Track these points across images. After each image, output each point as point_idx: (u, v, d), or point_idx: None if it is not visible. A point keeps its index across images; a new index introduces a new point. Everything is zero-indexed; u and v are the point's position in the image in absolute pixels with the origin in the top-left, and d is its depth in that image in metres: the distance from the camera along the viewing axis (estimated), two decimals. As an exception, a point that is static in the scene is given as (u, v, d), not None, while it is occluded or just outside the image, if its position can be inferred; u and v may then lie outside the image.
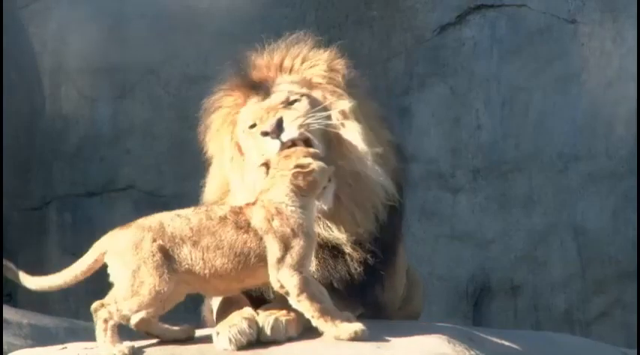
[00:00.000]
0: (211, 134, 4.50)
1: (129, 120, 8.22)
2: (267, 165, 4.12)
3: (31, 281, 4.21)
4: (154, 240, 3.97)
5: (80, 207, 8.17)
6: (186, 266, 3.97)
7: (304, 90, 4.32)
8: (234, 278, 4.01)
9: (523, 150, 7.81)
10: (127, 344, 3.98)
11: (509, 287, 7.81)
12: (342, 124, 4.28)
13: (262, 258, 3.98)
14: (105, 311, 3.99)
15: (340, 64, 4.41)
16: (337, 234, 4.24)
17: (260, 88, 4.40)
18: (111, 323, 3.97)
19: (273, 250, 3.95)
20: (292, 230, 3.97)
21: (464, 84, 7.92)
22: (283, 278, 3.94)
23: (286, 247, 3.95)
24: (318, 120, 4.20)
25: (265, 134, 4.17)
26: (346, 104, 4.31)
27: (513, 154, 7.83)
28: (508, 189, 7.83)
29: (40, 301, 7.97)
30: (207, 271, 3.97)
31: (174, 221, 4.03)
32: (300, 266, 3.94)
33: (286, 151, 4.08)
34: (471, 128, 7.89)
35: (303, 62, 4.43)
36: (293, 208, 3.99)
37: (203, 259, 3.97)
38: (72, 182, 8.26)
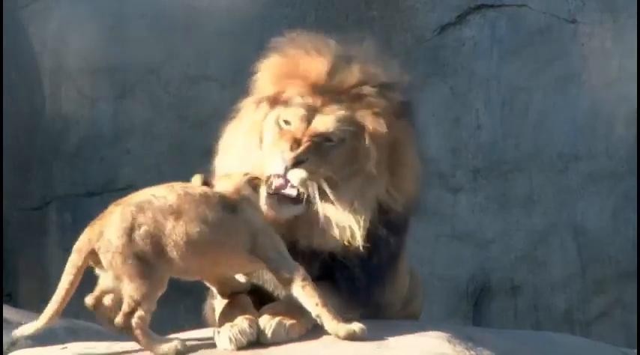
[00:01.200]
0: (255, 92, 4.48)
1: (129, 120, 8.22)
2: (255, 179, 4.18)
3: (31, 327, 4.11)
4: (140, 226, 3.90)
5: (80, 207, 8.16)
6: (171, 246, 3.92)
7: (347, 134, 4.29)
8: (212, 262, 4.00)
9: (523, 150, 7.81)
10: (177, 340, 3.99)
11: (509, 287, 7.81)
12: (348, 182, 4.28)
13: (240, 247, 3.99)
14: (137, 319, 3.91)
15: (398, 118, 4.38)
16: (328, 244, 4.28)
17: (324, 92, 4.35)
18: (146, 327, 3.91)
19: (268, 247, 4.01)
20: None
21: (464, 84, 7.92)
22: (287, 269, 3.98)
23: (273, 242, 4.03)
24: (334, 170, 4.23)
25: (282, 156, 4.18)
26: (372, 165, 4.30)
27: (513, 154, 7.83)
28: (508, 189, 7.83)
29: (40, 301, 7.97)
30: (186, 252, 3.93)
31: (152, 203, 3.96)
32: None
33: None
34: (471, 128, 7.90)
35: (370, 96, 4.35)
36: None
37: (185, 240, 3.93)
38: (72, 182, 8.26)
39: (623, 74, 7.66)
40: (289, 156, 4.17)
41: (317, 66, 4.36)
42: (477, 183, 7.88)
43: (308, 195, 4.19)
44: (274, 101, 4.37)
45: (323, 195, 4.22)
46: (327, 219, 4.23)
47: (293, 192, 4.20)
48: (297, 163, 4.17)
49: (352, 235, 4.26)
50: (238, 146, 4.43)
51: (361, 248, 4.24)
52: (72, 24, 8.22)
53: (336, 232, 4.25)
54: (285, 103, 4.34)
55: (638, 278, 7.43)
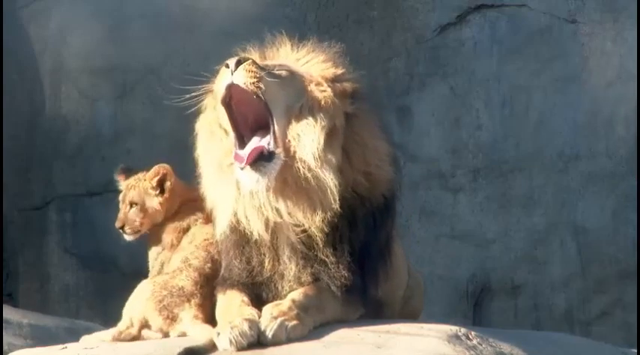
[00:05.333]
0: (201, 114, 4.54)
1: (129, 120, 8.22)
2: None
3: None
4: None
5: (80, 207, 8.16)
6: None
7: (297, 71, 4.30)
8: None
9: (523, 150, 7.82)
10: None
11: (510, 287, 7.81)
12: (311, 112, 4.22)
13: None
14: None
15: (347, 83, 4.33)
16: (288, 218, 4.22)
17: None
18: None
19: None
20: None
21: (464, 84, 7.92)
22: None
23: None
24: (274, 81, 4.17)
25: (226, 66, 4.19)
26: (323, 96, 4.25)
27: (513, 154, 7.83)
28: (508, 189, 7.83)
29: (40, 301, 7.98)
30: None
31: None
32: None
33: None
34: (471, 128, 7.90)
35: (314, 58, 4.39)
36: None
37: None
38: (72, 182, 8.26)
39: (623, 74, 7.66)
40: (232, 61, 4.14)
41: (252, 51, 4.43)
42: (477, 183, 7.88)
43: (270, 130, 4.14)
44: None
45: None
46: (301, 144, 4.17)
47: (254, 143, 4.15)
48: (239, 62, 4.14)
49: (331, 191, 4.16)
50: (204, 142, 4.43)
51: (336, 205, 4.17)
52: (72, 24, 8.22)
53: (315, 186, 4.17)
54: None
55: (638, 278, 7.43)
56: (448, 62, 7.95)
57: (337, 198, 4.17)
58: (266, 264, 4.27)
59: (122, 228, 4.65)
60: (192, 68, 8.11)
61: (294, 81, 4.26)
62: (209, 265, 4.37)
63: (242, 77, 4.14)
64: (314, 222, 4.18)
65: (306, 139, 4.18)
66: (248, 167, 4.12)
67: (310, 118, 4.20)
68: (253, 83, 4.13)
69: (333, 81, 4.30)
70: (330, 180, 4.17)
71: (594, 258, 7.71)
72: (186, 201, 4.64)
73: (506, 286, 7.82)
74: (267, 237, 4.22)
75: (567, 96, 7.78)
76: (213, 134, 4.38)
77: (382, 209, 4.35)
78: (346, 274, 4.20)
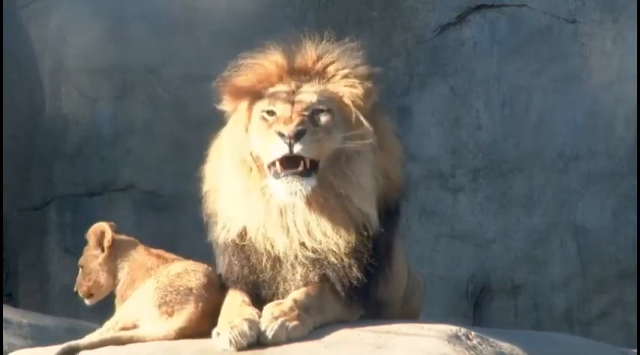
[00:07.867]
0: (234, 91, 4.52)
1: (129, 120, 8.22)
2: None
3: None
4: None
5: (80, 207, 8.17)
6: None
7: (332, 105, 4.29)
8: None
9: (523, 150, 7.82)
10: None
11: (510, 287, 7.82)
12: (358, 152, 4.26)
13: None
14: None
15: (373, 91, 4.38)
16: (316, 245, 4.22)
17: (294, 77, 4.38)
18: None
19: None
20: None
21: (464, 84, 7.92)
22: None
23: None
24: (335, 141, 4.21)
25: (281, 135, 4.15)
26: (367, 133, 4.28)
27: (513, 154, 7.84)
28: (508, 189, 7.83)
29: (40, 301, 7.98)
30: None
31: None
32: None
33: None
34: (471, 128, 7.90)
35: (338, 70, 4.41)
36: None
37: None
38: (72, 182, 8.26)
39: (623, 74, 7.66)
40: (288, 130, 4.12)
41: (274, 58, 4.42)
42: (477, 183, 7.88)
43: (315, 163, 4.15)
44: (248, 93, 4.40)
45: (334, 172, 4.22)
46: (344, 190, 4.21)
47: (299, 167, 4.16)
48: (298, 136, 4.13)
49: (367, 218, 4.22)
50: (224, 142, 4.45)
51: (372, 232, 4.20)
52: (72, 24, 8.22)
53: (354, 212, 4.21)
54: (261, 97, 4.34)
55: (638, 278, 7.44)
56: (448, 62, 7.95)
57: (376, 223, 4.22)
58: (268, 268, 4.27)
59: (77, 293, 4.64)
60: (192, 68, 8.12)
61: (335, 120, 4.29)
62: (207, 280, 4.30)
63: (309, 152, 4.15)
64: (344, 241, 4.21)
65: (359, 180, 4.23)
66: (287, 176, 4.14)
67: (358, 162, 4.25)
68: (314, 150, 4.16)
69: (363, 98, 4.33)
70: (372, 209, 4.22)
71: (594, 258, 7.71)
72: (141, 266, 4.46)
73: (506, 286, 7.83)
74: (279, 253, 4.24)
75: (567, 96, 7.78)
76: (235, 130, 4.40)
77: (392, 212, 4.37)
78: (359, 276, 4.22)
